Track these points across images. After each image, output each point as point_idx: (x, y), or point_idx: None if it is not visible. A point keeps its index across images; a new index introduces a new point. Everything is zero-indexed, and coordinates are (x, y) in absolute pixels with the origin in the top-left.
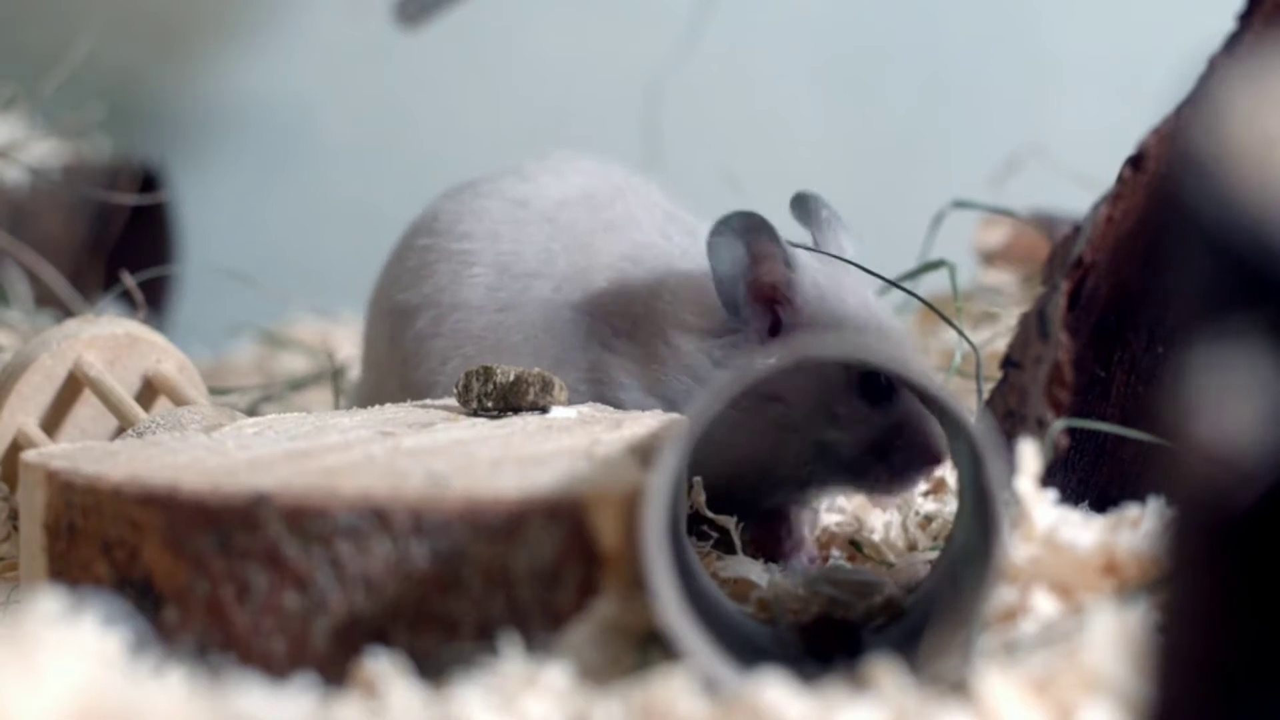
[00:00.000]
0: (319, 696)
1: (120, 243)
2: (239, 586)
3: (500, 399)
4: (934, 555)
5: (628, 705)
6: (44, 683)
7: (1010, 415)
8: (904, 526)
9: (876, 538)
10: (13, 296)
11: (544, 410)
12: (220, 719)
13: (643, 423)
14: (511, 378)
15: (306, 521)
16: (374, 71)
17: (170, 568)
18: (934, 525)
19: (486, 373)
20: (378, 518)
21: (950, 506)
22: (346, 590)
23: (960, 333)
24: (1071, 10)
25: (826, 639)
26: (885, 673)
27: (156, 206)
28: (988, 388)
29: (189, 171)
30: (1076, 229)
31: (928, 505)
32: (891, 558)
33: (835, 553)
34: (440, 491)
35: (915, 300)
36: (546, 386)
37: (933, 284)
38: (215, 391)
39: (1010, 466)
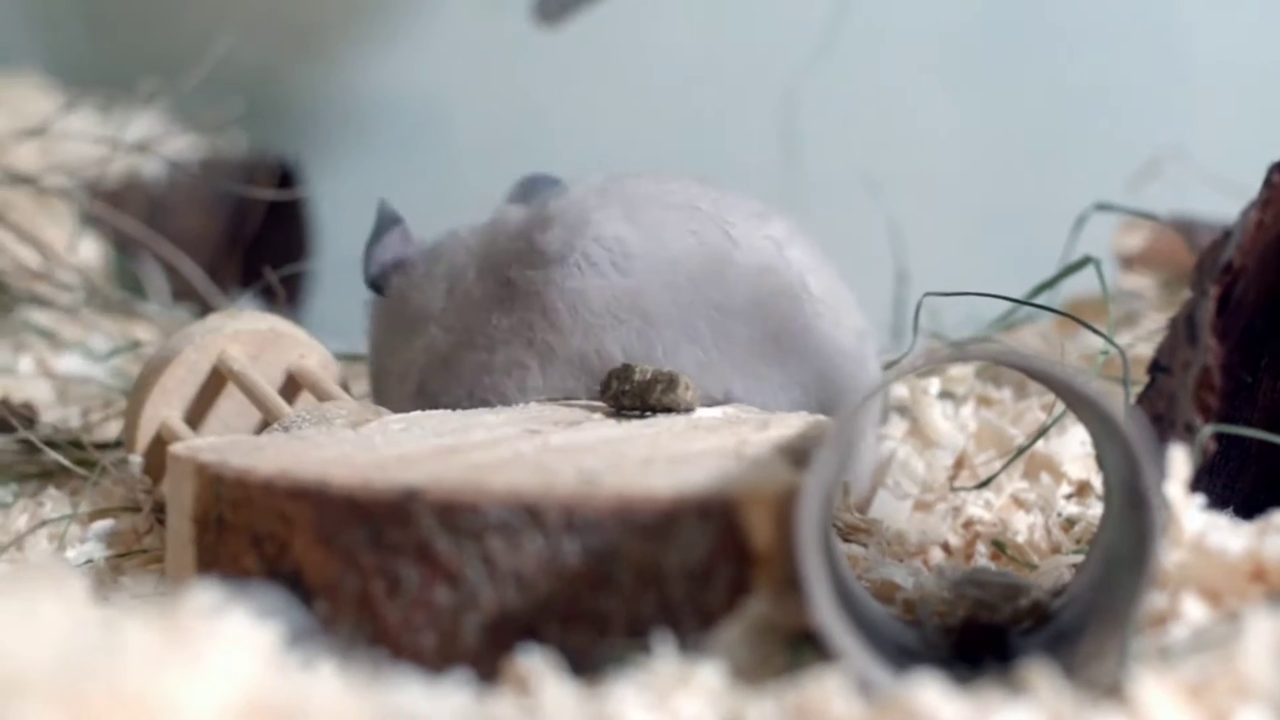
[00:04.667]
0: (473, 692)
1: (256, 237)
2: (390, 581)
3: (637, 397)
4: (1077, 558)
5: (781, 705)
6: (208, 676)
7: (1158, 420)
8: (1047, 529)
9: (1020, 539)
10: (150, 290)
11: (687, 409)
12: (381, 714)
13: (789, 424)
14: (649, 376)
15: (457, 517)
16: (508, 70)
17: (321, 562)
18: (1077, 528)
19: (626, 371)
20: (529, 514)
21: (1093, 509)
22: (498, 586)
23: (1105, 337)
24: (1213, 12)
25: (974, 642)
26: (1040, 676)
27: (292, 201)
28: (1134, 392)
29: (324, 167)
30: (1226, 233)
31: (1070, 508)
32: (1035, 559)
33: (980, 551)
34: (592, 489)
35: (1055, 301)
36: (671, 384)
37: (1073, 284)
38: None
39: (1161, 471)
